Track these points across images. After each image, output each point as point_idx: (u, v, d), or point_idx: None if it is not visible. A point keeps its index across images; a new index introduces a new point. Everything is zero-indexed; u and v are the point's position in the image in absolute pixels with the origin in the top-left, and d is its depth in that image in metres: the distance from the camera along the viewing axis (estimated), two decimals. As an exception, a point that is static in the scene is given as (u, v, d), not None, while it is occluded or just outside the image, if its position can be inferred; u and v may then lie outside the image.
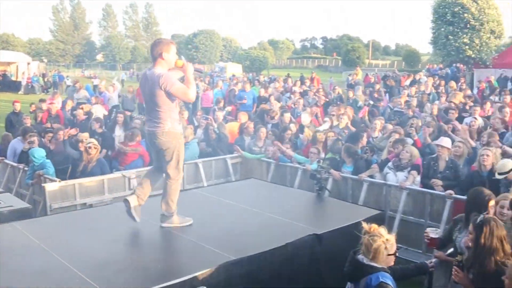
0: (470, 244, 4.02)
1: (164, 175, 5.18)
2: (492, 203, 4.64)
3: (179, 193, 5.28)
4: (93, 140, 8.40)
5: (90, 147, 8.09)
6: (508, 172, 6.31)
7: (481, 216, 3.93)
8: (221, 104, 14.74)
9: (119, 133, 10.79)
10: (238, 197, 6.10)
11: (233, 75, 34.13)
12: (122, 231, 5.17)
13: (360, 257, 3.79)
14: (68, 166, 8.47)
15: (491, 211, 4.56)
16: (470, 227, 3.96)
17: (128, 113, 14.62)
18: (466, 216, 4.61)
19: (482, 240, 3.77)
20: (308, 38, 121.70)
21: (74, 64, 79.96)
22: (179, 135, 5.05)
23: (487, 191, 4.76)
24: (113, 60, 79.96)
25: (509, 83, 21.55)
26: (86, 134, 9.10)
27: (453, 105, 12.39)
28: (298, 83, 22.39)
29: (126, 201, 5.15)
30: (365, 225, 3.87)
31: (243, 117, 11.57)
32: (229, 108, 14.72)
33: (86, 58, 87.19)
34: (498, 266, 3.69)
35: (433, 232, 4.78)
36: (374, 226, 3.87)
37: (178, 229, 5.18)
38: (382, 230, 3.81)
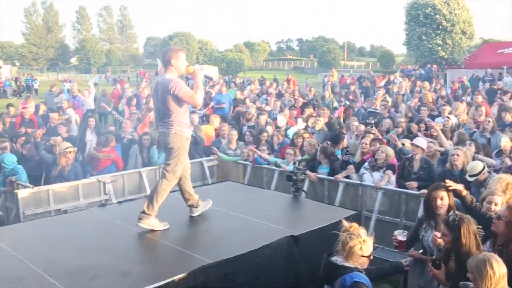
0: (442, 244, 4.08)
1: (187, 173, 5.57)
2: (438, 194, 4.73)
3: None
4: (69, 144, 8.31)
5: (70, 152, 8.03)
6: (478, 174, 6.42)
7: (453, 215, 3.99)
8: (198, 107, 14.63)
9: (90, 137, 10.68)
10: (215, 200, 6.06)
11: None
12: (97, 237, 5.11)
13: (334, 258, 3.81)
14: (42, 172, 8.35)
15: (437, 202, 4.69)
16: (443, 228, 4.01)
17: (108, 109, 14.51)
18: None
19: (463, 240, 3.83)
20: (284, 40, 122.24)
21: (48, 67, 78.76)
22: (185, 139, 5.30)
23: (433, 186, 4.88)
24: (87, 63, 78.86)
25: (480, 83, 21.94)
26: (59, 138, 8.99)
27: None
28: (274, 85, 22.45)
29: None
30: (345, 223, 3.90)
31: (216, 120, 11.53)
32: (205, 111, 14.66)
33: (60, 61, 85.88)
34: None
35: (401, 235, 4.83)
36: (355, 225, 3.90)
37: (154, 233, 5.14)
38: (362, 231, 3.83)
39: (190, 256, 4.54)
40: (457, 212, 4.21)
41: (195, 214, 5.68)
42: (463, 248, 3.83)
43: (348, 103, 15.11)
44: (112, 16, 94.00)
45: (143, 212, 5.19)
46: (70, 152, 8.07)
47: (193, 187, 5.88)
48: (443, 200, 4.69)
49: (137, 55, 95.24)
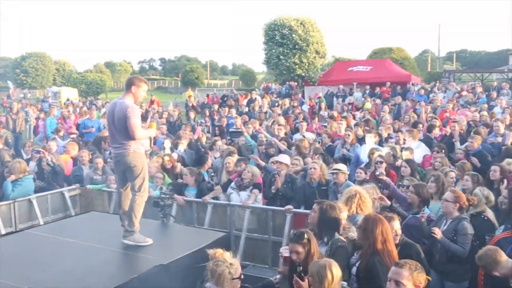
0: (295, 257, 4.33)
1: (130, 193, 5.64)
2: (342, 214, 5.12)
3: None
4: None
5: None
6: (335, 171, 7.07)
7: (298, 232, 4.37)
8: (61, 133, 13.79)
9: None
10: (79, 233, 5.76)
11: (68, 100, 32.40)
12: None
13: (208, 285, 3.81)
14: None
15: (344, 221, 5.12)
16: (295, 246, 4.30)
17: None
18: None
19: (313, 250, 4.22)
20: (146, 60, 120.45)
21: None
22: (143, 155, 5.69)
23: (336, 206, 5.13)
24: None
25: (334, 99, 23.50)
26: None
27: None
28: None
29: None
30: (210, 252, 3.92)
31: (72, 148, 10.83)
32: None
33: None
34: None
35: (286, 251, 4.99)
36: (219, 251, 3.93)
37: (12, 276, 4.69)
38: (227, 255, 3.88)
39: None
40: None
41: (128, 242, 5.58)
42: (314, 257, 4.19)
43: (203, 121, 15.18)
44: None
45: (126, 230, 5.54)
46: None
47: (55, 220, 5.58)
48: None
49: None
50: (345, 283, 3.94)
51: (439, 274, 5.52)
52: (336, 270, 3.72)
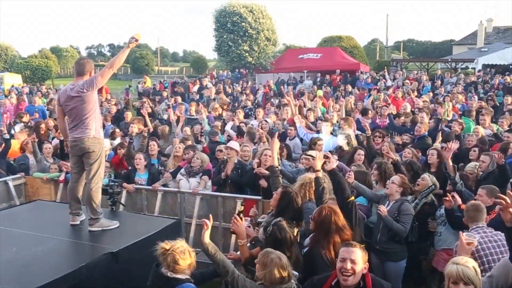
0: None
1: (84, 179, 5.58)
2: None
3: None
4: None
5: None
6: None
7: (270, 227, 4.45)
8: (24, 119, 13.31)
9: None
10: (24, 223, 5.59)
11: (13, 86, 31.16)
12: None
13: (164, 270, 3.83)
14: None
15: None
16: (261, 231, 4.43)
17: None
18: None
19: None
20: (94, 45, 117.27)
21: None
22: (102, 141, 5.58)
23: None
24: None
25: (285, 86, 23.72)
26: None
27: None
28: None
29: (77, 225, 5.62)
30: (162, 244, 3.91)
31: (21, 135, 10.53)
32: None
33: None
34: None
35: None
36: (170, 242, 3.95)
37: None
38: (179, 243, 3.92)
39: (-4, 289, 4.11)
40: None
41: (96, 229, 5.51)
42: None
43: (150, 108, 14.93)
44: None
45: (90, 218, 5.49)
46: None
47: (-1, 209, 5.39)
48: None
49: None
50: (296, 272, 4.01)
51: (378, 256, 5.75)
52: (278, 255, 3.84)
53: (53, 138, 10.90)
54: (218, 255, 4.10)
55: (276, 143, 6.13)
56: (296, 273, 4.03)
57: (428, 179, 6.30)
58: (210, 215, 4.49)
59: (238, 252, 4.89)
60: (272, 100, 17.90)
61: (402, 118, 11.30)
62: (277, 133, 7.62)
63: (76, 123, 5.32)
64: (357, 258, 3.66)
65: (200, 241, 4.13)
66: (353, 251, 3.69)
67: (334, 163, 5.20)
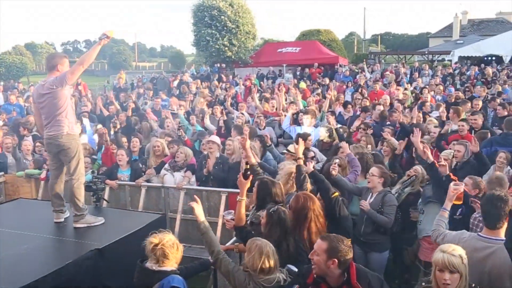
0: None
1: (65, 176, 5.54)
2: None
3: None
4: None
5: None
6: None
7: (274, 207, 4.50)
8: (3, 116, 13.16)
9: None
10: (6, 222, 5.53)
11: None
12: None
13: (149, 264, 3.84)
14: None
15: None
16: (264, 214, 4.50)
17: None
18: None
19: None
20: (70, 42, 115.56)
21: None
22: (77, 137, 5.54)
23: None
24: None
25: (265, 80, 23.74)
26: None
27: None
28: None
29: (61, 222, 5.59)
30: (151, 239, 3.92)
31: (-1, 133, 10.35)
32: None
33: None
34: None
35: (230, 215, 5.13)
36: (158, 235, 3.96)
37: None
38: (167, 236, 3.94)
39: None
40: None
41: (81, 226, 5.50)
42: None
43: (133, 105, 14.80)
44: None
45: (75, 215, 5.45)
46: None
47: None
48: None
49: None
50: (294, 268, 4.06)
51: (362, 247, 5.81)
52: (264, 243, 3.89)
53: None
54: (209, 233, 4.25)
55: (247, 141, 6.07)
56: (294, 268, 4.08)
57: (419, 171, 6.35)
58: (195, 196, 4.67)
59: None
60: (253, 94, 17.88)
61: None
62: (246, 130, 7.71)
63: (49, 120, 5.31)
64: (319, 250, 3.65)
65: (186, 235, 4.17)
66: (318, 243, 3.71)
67: (311, 166, 5.35)
